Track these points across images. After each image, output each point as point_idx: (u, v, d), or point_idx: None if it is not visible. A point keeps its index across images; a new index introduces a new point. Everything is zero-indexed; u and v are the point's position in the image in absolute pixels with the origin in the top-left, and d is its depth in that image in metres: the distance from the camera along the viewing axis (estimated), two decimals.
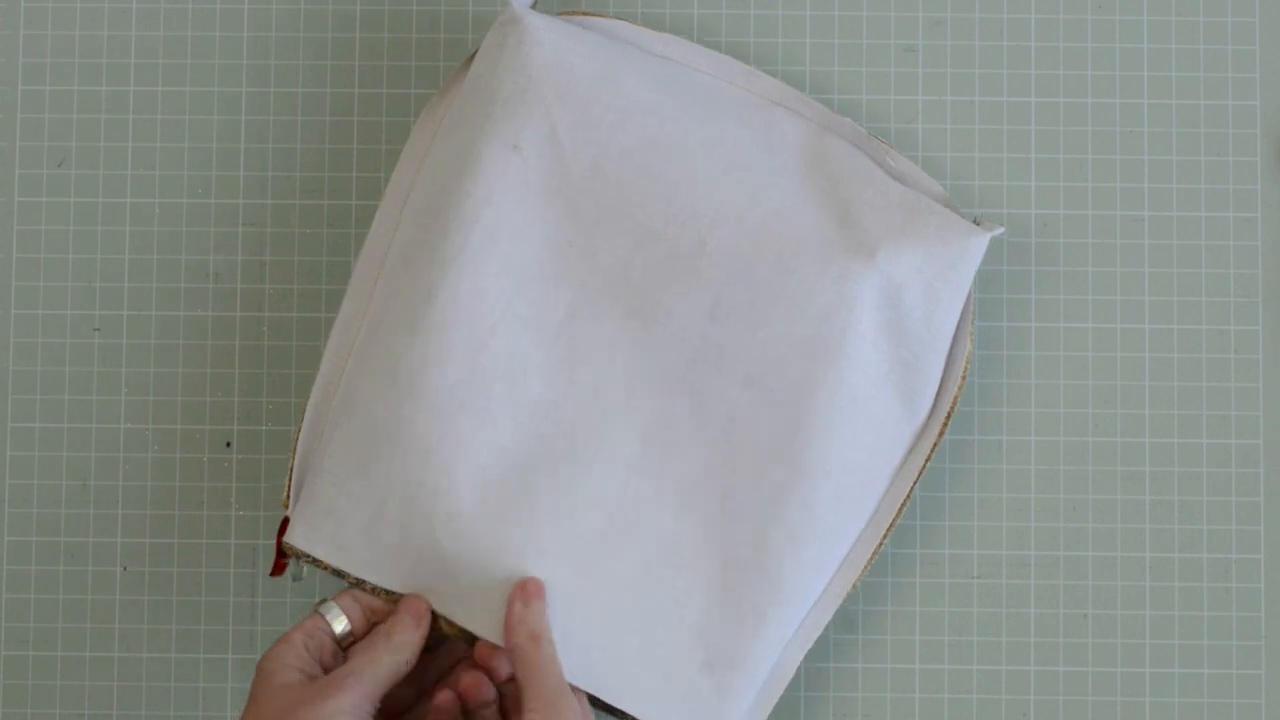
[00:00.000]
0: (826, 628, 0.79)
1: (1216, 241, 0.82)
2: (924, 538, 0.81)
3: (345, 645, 0.73)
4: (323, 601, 0.74)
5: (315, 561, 0.75)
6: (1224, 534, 0.81)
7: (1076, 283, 0.82)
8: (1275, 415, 0.82)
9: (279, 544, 0.75)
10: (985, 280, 0.82)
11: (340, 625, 0.73)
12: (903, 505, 0.77)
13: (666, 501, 0.75)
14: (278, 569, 0.75)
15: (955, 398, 0.77)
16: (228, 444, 0.82)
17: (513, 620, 0.72)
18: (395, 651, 0.71)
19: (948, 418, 0.77)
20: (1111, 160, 0.82)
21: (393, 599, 0.74)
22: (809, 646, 0.77)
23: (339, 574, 0.75)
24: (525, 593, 0.72)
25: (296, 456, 0.76)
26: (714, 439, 0.75)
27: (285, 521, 0.75)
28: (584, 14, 0.80)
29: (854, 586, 0.77)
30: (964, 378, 0.78)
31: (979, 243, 0.76)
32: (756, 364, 0.75)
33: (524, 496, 0.74)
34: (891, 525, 0.77)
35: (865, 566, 0.77)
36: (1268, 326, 0.82)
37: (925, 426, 0.78)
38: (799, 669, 0.80)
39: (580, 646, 0.74)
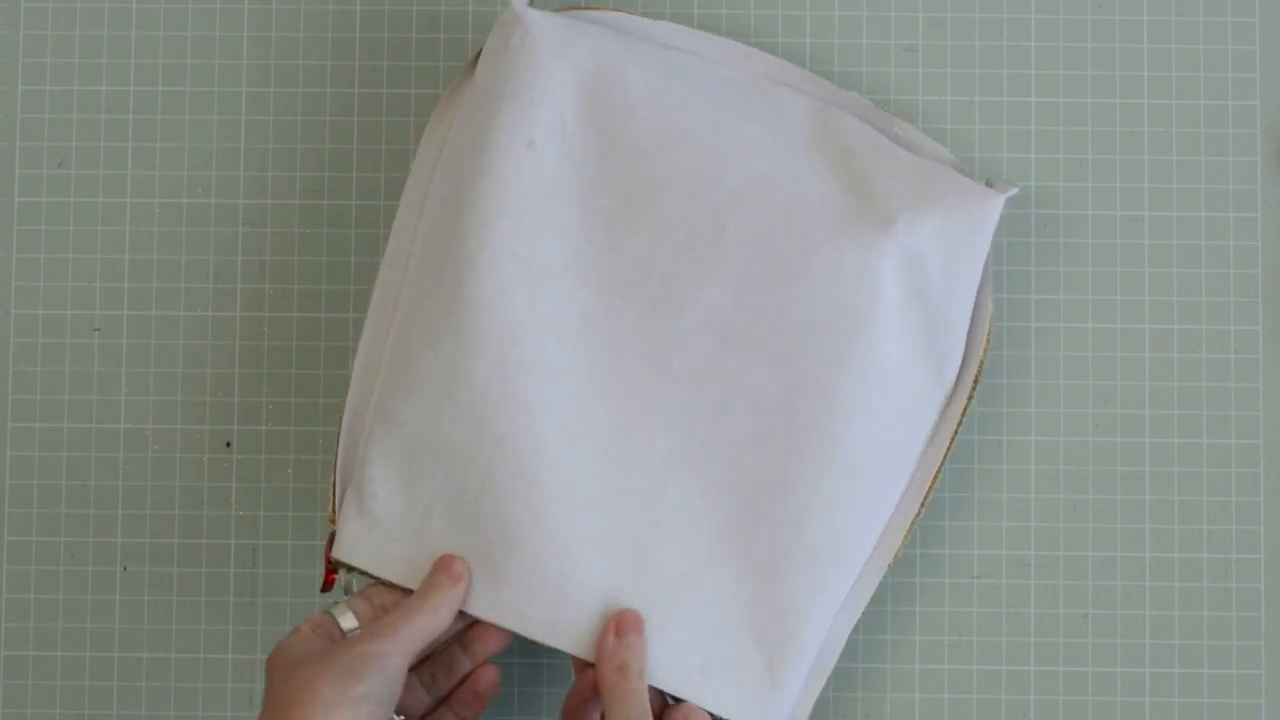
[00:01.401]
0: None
1: (1216, 241, 0.82)
2: (924, 538, 0.81)
3: None
4: (334, 604, 0.73)
5: (364, 573, 0.74)
6: (1224, 534, 0.81)
7: (1076, 283, 0.82)
8: (1275, 415, 0.82)
9: (327, 558, 0.75)
10: None
11: (348, 623, 0.72)
12: (937, 473, 0.77)
13: (706, 490, 0.75)
14: (328, 584, 0.75)
15: (980, 362, 0.78)
16: (228, 444, 0.82)
17: (604, 652, 0.72)
18: (431, 611, 0.71)
19: (975, 383, 0.77)
20: (1111, 160, 0.82)
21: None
22: (856, 619, 0.77)
23: (393, 587, 0.74)
24: (620, 625, 0.73)
25: (337, 470, 0.76)
26: (748, 422, 0.75)
27: (332, 536, 0.75)
28: (583, 9, 0.80)
29: (895, 557, 0.77)
30: (988, 342, 0.78)
31: (995, 205, 0.77)
32: (784, 343, 0.75)
33: (566, 495, 0.74)
34: (928, 494, 0.77)
35: (905, 536, 0.77)
36: (1268, 326, 0.82)
37: (954, 393, 0.78)
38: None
39: None
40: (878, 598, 0.81)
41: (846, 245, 0.75)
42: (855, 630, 0.81)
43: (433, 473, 0.74)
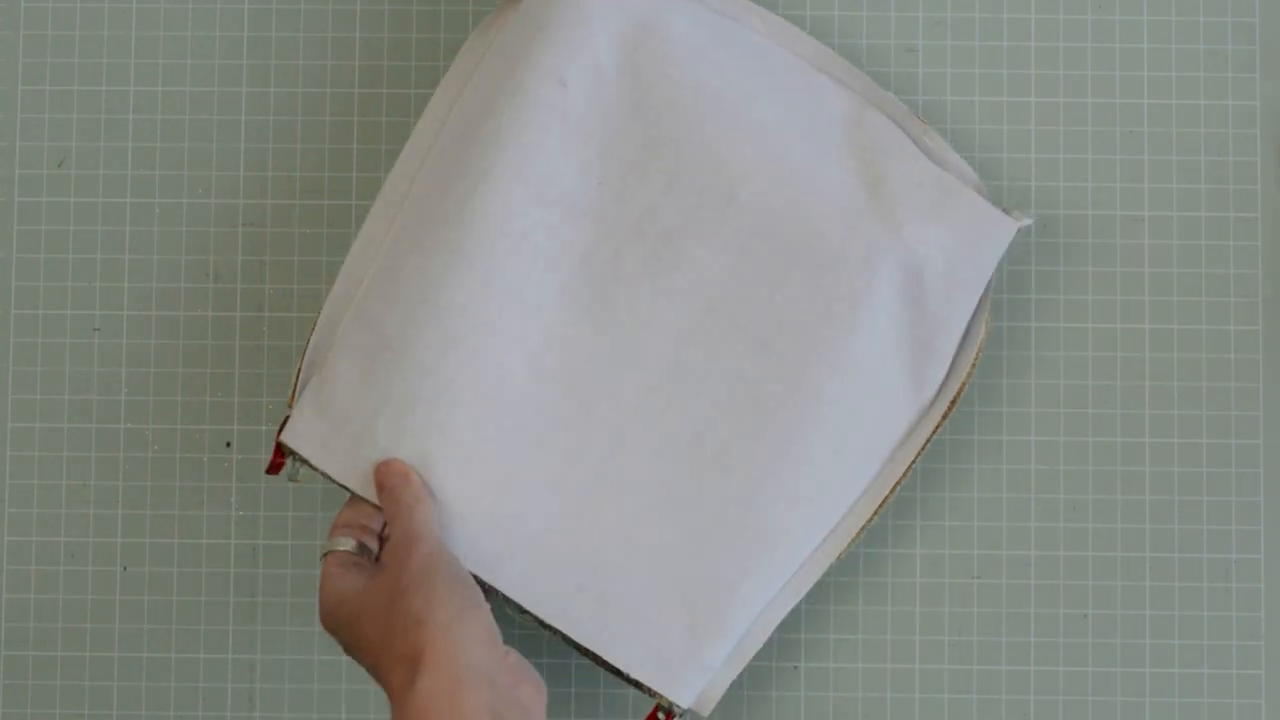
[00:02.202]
0: (826, 629, 0.80)
1: (1216, 241, 0.82)
2: (924, 538, 0.81)
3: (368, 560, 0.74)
4: (334, 541, 0.74)
5: (306, 463, 0.75)
6: (1224, 534, 0.81)
7: (1076, 283, 0.82)
8: (1275, 415, 0.82)
9: (278, 442, 0.75)
10: None
11: (351, 546, 0.73)
12: (899, 481, 0.77)
13: (661, 450, 0.75)
14: (274, 467, 0.75)
15: (964, 382, 0.77)
16: (228, 444, 0.82)
17: None
18: (417, 505, 0.72)
19: (955, 399, 0.77)
20: (1111, 160, 0.82)
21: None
22: (786, 613, 0.77)
23: (328, 479, 0.75)
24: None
25: (305, 358, 0.76)
26: (718, 393, 0.76)
27: (286, 420, 0.76)
28: None
29: (839, 557, 0.77)
30: (975, 362, 0.78)
31: (1006, 231, 0.77)
32: (770, 322, 0.76)
33: (520, 427, 0.74)
34: (886, 500, 0.77)
35: (854, 538, 0.77)
36: (1268, 326, 0.82)
37: (931, 405, 0.78)
38: (800, 671, 0.80)
39: (561, 585, 0.74)
40: (877, 598, 0.81)
41: (851, 239, 0.76)
42: (855, 630, 0.81)
43: (390, 376, 0.74)
